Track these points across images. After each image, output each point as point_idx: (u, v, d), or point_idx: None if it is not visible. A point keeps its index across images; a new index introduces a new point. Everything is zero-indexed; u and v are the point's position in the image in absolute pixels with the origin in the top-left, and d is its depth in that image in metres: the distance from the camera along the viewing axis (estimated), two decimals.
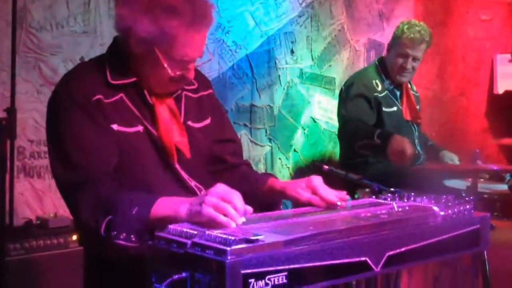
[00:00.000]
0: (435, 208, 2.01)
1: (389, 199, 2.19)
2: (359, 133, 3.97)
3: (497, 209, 3.55)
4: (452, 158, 4.31)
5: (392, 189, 3.63)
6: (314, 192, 2.11)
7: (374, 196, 2.21)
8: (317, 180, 2.13)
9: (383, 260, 1.81)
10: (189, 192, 2.15)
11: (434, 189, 3.94)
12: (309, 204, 2.09)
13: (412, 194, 2.22)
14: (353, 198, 3.86)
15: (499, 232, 2.99)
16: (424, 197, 2.16)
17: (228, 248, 1.54)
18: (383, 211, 2.01)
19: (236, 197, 1.81)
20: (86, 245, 2.24)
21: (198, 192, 2.16)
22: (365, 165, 4.08)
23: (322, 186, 2.11)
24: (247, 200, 1.95)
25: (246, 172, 2.39)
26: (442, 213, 2.00)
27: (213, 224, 1.75)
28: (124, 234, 1.88)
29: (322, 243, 1.69)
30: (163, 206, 1.89)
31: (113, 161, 2.05)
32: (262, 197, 2.24)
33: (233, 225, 1.74)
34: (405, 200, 2.18)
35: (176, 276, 1.62)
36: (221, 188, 1.82)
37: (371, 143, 3.81)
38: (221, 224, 1.74)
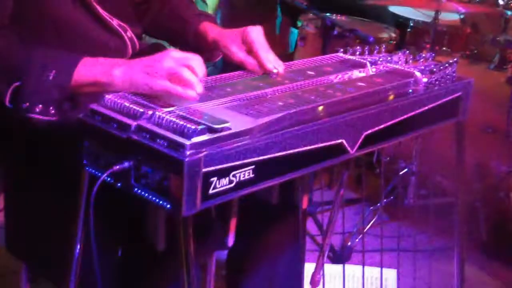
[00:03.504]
0: (418, 74, 1.71)
1: (357, 53, 1.87)
2: None
3: (445, 44, 3.29)
4: None
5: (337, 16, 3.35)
6: (250, 49, 1.70)
7: (341, 50, 1.87)
8: (255, 33, 1.71)
9: (359, 141, 1.53)
10: (112, 33, 1.74)
11: (381, 18, 3.67)
12: (242, 66, 1.71)
13: (383, 47, 1.91)
14: (295, 26, 3.51)
15: None
16: (399, 53, 1.86)
17: (188, 142, 1.21)
18: (358, 75, 1.70)
19: (196, 61, 1.43)
20: None
21: (123, 33, 1.75)
22: None
23: (260, 43, 1.69)
24: (175, 42, 1.81)
25: (178, 5, 1.96)
26: (424, 79, 1.71)
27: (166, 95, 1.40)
28: (40, 106, 1.45)
29: (297, 127, 1.38)
30: (90, 68, 1.47)
31: (8, 5, 1.55)
32: (192, 42, 1.87)
33: (193, 94, 1.40)
34: (376, 55, 1.87)
35: (117, 167, 1.29)
36: (176, 54, 1.43)
37: None
38: (178, 96, 1.39)
